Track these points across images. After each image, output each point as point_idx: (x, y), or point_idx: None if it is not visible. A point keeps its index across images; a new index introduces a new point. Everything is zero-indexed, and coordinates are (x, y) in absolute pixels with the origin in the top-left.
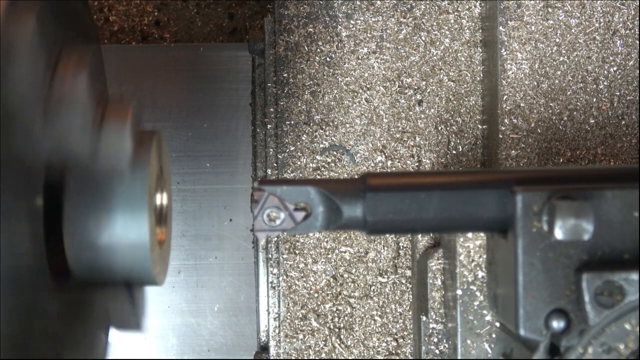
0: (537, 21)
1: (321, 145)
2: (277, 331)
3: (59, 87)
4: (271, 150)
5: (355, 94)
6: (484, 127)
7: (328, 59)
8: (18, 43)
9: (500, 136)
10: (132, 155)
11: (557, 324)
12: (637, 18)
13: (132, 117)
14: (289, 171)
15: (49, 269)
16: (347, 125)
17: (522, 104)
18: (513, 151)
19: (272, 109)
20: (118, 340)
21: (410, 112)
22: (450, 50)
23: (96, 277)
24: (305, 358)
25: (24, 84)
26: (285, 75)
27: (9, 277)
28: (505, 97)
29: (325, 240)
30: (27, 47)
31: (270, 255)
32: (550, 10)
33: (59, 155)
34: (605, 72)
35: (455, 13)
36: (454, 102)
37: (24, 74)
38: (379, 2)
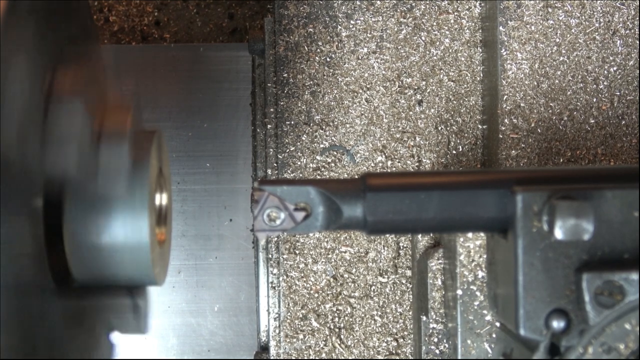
0: (537, 21)
1: (321, 145)
2: (277, 331)
3: (56, 110)
4: (271, 150)
5: (355, 94)
6: (484, 127)
7: (328, 59)
8: (13, 59)
9: (500, 136)
10: (130, 172)
11: (557, 324)
12: (637, 18)
13: (131, 127)
14: (289, 171)
15: (49, 272)
16: (347, 125)
17: (522, 104)
18: (513, 151)
19: (272, 109)
20: (119, 340)
21: (410, 112)
22: (450, 50)
23: (97, 278)
24: (305, 358)
25: (19, 106)
26: (285, 75)
27: (9, 280)
28: (505, 97)
29: (326, 240)
30: (23, 63)
31: (270, 255)
32: (550, 10)
33: (57, 174)
34: (605, 72)
35: (455, 13)
36: (454, 102)
37: (19, 93)
38: (379, 2)
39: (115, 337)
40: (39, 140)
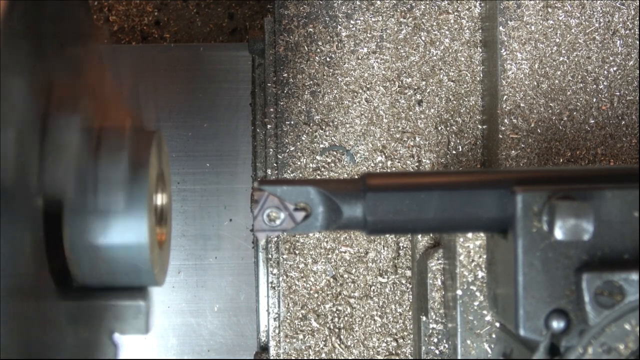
0: (537, 21)
1: (321, 146)
2: (277, 331)
3: (53, 126)
4: (271, 150)
5: (355, 94)
6: (484, 127)
7: (328, 59)
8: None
9: (500, 136)
10: (129, 179)
11: (557, 324)
12: (637, 18)
13: (129, 136)
14: (289, 171)
15: (49, 273)
16: (347, 125)
17: (522, 104)
18: (513, 151)
19: (272, 109)
20: (121, 341)
21: (410, 112)
22: (450, 50)
23: (97, 279)
24: (305, 358)
25: (16, 120)
26: (285, 75)
27: (10, 284)
28: (505, 97)
29: (325, 240)
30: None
31: (270, 256)
32: (550, 10)
33: (55, 189)
34: (605, 72)
35: (455, 13)
36: (454, 102)
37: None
38: (379, 2)
39: (118, 338)
40: (37, 156)
